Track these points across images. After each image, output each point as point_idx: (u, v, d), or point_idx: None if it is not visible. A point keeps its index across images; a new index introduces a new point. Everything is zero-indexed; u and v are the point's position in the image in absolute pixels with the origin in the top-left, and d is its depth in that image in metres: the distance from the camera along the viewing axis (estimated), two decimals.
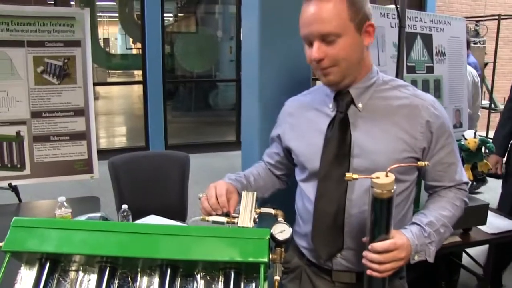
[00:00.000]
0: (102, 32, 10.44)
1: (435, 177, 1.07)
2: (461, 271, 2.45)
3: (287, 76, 1.54)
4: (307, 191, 1.11)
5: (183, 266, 0.84)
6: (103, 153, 3.13)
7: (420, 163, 0.90)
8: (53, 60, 2.32)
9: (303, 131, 1.12)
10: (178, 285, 0.84)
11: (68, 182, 2.92)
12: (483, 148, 2.01)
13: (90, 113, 2.40)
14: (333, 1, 0.95)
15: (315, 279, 1.15)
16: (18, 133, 2.28)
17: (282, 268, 0.89)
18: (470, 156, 1.96)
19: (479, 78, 3.60)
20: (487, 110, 5.19)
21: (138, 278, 0.85)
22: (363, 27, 0.99)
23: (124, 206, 1.77)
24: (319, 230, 1.08)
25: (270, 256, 0.83)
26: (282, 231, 0.93)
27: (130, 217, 1.77)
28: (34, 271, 0.83)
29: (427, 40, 2.12)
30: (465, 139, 1.95)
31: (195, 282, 0.85)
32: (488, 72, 5.55)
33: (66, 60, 2.33)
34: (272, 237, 0.91)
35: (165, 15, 5.39)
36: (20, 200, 2.34)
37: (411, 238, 0.96)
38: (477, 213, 1.83)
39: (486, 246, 2.06)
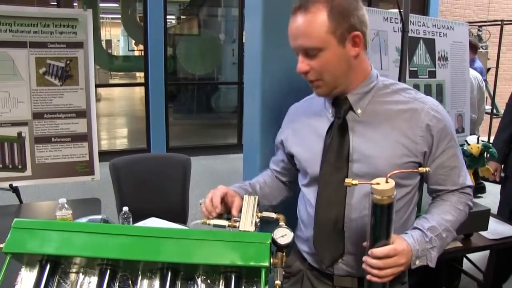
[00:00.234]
0: (105, 34, 10.48)
1: (438, 180, 1.06)
2: (461, 276, 2.44)
3: (289, 79, 1.54)
4: (308, 196, 1.11)
5: (184, 269, 0.84)
6: (105, 155, 3.14)
7: (421, 169, 0.89)
8: (55, 61, 2.32)
9: (304, 136, 1.12)
10: None
11: (69, 183, 2.92)
12: (485, 154, 2.00)
13: (91, 115, 2.40)
14: (314, 14, 0.95)
15: (316, 284, 1.15)
16: (19, 134, 2.29)
17: (283, 272, 0.89)
18: (472, 162, 1.96)
19: (484, 83, 3.60)
20: (489, 115, 5.18)
21: (139, 281, 0.85)
22: (347, 39, 0.97)
23: (125, 208, 1.76)
24: (320, 235, 1.07)
25: (271, 260, 0.83)
26: (283, 235, 0.93)
27: (131, 219, 1.77)
28: (34, 273, 0.83)
29: (430, 44, 2.12)
30: (468, 144, 1.94)
31: (195, 286, 0.84)
32: (490, 77, 5.55)
33: (68, 62, 2.34)
34: (274, 241, 0.91)
35: (167, 17, 5.40)
36: (21, 201, 2.34)
37: (412, 243, 0.95)
38: (478, 219, 1.82)
39: (487, 251, 2.06)
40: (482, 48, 5.47)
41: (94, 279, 0.84)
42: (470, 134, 2.75)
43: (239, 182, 1.22)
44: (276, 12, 1.52)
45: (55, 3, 5.12)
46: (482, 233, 1.90)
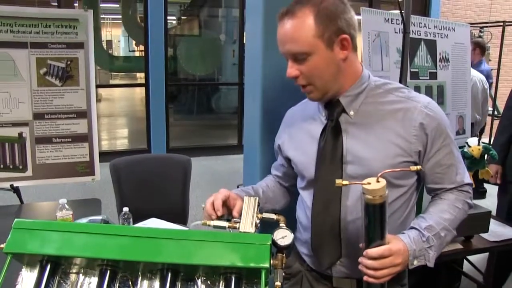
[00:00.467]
0: (105, 34, 10.48)
1: (435, 179, 1.05)
2: (462, 278, 2.44)
3: (290, 80, 1.53)
4: (306, 198, 1.12)
5: (184, 270, 0.84)
6: (105, 155, 3.14)
7: (413, 168, 0.89)
8: (56, 61, 2.32)
9: (300, 140, 1.13)
10: None
11: (69, 184, 2.92)
12: (485, 156, 1.99)
13: (92, 115, 2.40)
14: (301, 19, 0.95)
15: (315, 285, 1.15)
16: (20, 134, 2.29)
17: (283, 273, 0.89)
18: (473, 164, 1.95)
19: (488, 85, 3.59)
20: (490, 117, 5.18)
21: (139, 281, 0.85)
22: (335, 42, 0.97)
23: (125, 209, 1.76)
24: (317, 238, 1.08)
25: (272, 261, 0.83)
26: (283, 236, 0.93)
27: (131, 220, 1.77)
28: (35, 273, 0.83)
29: (431, 46, 2.12)
30: (469, 146, 1.93)
31: (195, 287, 0.84)
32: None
33: (69, 62, 2.34)
34: (274, 242, 0.91)
35: (168, 18, 5.41)
36: (21, 201, 2.34)
37: (408, 243, 0.95)
38: (479, 221, 1.81)
39: (487, 253, 2.05)
40: None
41: (94, 280, 0.84)
42: (474, 135, 2.75)
43: (240, 182, 1.22)
44: (277, 13, 1.52)
45: (56, 4, 5.13)
46: (483, 235, 1.90)
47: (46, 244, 0.82)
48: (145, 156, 2.65)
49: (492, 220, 1.90)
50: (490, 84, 4.01)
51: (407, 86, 1.39)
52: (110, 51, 9.96)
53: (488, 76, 3.80)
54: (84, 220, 1.64)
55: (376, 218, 0.86)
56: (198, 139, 6.74)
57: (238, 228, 0.97)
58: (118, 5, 7.07)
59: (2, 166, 2.25)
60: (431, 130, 1.00)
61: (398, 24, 1.96)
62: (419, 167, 0.90)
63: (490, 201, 3.76)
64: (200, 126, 7.38)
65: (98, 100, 8.25)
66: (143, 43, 5.39)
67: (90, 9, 2.38)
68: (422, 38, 2.08)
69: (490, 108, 5.26)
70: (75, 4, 5.62)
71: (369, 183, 0.83)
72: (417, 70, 2.08)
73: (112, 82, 9.48)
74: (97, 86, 5.56)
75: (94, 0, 5.83)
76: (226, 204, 1.06)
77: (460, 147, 1.88)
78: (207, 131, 7.21)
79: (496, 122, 5.22)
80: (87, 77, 2.37)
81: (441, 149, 1.02)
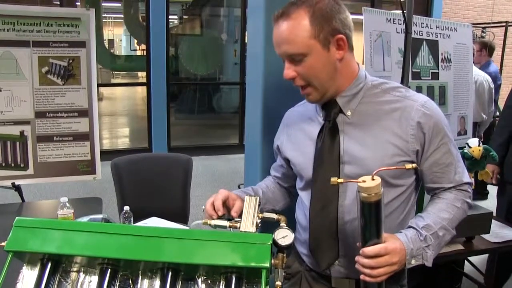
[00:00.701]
0: (107, 33, 10.48)
1: (433, 178, 1.05)
2: (463, 278, 2.43)
3: (291, 81, 1.53)
4: (304, 199, 1.12)
5: (185, 269, 0.84)
6: (106, 154, 3.14)
7: (407, 166, 0.88)
8: (57, 60, 2.32)
9: (298, 140, 1.13)
10: None
11: (70, 182, 2.92)
12: (486, 157, 1.98)
13: (93, 114, 2.40)
14: (296, 20, 0.96)
15: (314, 285, 1.15)
16: (22, 132, 2.29)
17: (283, 273, 0.88)
18: (472, 165, 1.94)
19: (493, 85, 3.57)
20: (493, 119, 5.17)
21: (139, 280, 0.85)
22: (331, 42, 0.97)
23: (126, 208, 1.77)
24: (315, 238, 1.08)
25: (272, 261, 0.83)
26: (284, 236, 0.93)
27: (132, 219, 1.77)
28: (36, 271, 0.83)
29: (433, 46, 2.12)
30: (469, 147, 1.92)
31: (196, 286, 0.84)
32: None
33: (70, 61, 2.34)
34: (274, 242, 0.91)
35: (170, 17, 5.41)
36: (23, 199, 2.35)
37: (405, 242, 0.94)
38: (480, 222, 1.81)
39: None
40: None
41: (94, 278, 0.84)
42: (478, 136, 2.74)
43: (241, 182, 1.22)
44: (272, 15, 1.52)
45: (58, 3, 5.14)
46: (484, 236, 1.89)
47: (47, 242, 0.82)
48: (146, 155, 2.65)
49: (493, 221, 1.89)
50: (499, 86, 3.91)
51: (409, 87, 1.38)
52: (111, 50, 9.96)
53: (496, 78, 3.74)
54: (85, 219, 1.64)
55: (371, 217, 0.86)
56: (199, 139, 6.74)
57: (239, 227, 0.97)
58: (120, 4, 7.08)
59: (3, 164, 2.26)
60: (429, 128, 1.00)
61: (400, 24, 1.95)
62: (414, 165, 0.90)
63: (491, 202, 3.75)
64: (201, 126, 7.38)
65: (100, 99, 8.26)
66: (145, 42, 5.39)
67: (92, 8, 2.39)
68: (424, 38, 2.08)
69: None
70: (77, 3, 5.63)
71: (364, 181, 0.83)
72: (419, 70, 2.07)
73: (113, 81, 9.49)
74: (99, 85, 5.55)
75: None
76: (225, 204, 1.06)
77: (461, 148, 1.88)
78: (208, 130, 7.22)
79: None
80: (89, 76, 2.38)
81: (438, 148, 1.01)
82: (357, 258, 0.92)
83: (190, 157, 2.40)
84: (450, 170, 1.04)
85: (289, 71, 1.00)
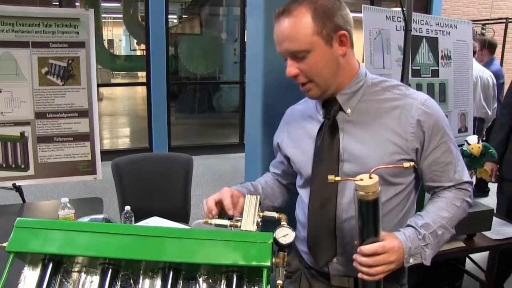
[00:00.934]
0: (107, 33, 10.48)
1: (433, 177, 1.04)
2: (464, 276, 2.43)
3: (291, 79, 1.53)
4: (303, 196, 1.12)
5: (186, 269, 0.84)
6: (107, 154, 3.14)
7: (405, 164, 0.88)
8: (57, 61, 2.32)
9: (298, 138, 1.13)
10: None
11: (71, 182, 2.92)
12: (485, 155, 1.97)
13: (93, 114, 2.40)
14: (298, 17, 0.95)
15: (313, 283, 1.15)
16: (22, 133, 2.29)
17: (285, 272, 0.88)
18: (471, 162, 1.92)
19: (495, 82, 3.55)
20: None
21: (140, 280, 0.85)
22: (334, 38, 0.97)
23: (127, 208, 1.77)
24: (313, 236, 1.08)
25: (273, 260, 0.83)
26: (285, 235, 0.93)
27: (133, 219, 1.77)
28: (37, 272, 0.83)
29: (433, 43, 2.11)
30: (469, 144, 1.90)
31: (197, 285, 0.84)
32: None
33: (70, 61, 2.34)
34: (275, 241, 0.90)
35: (169, 16, 5.40)
36: (24, 200, 2.35)
37: (403, 240, 0.94)
38: (481, 219, 1.81)
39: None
40: None
41: (96, 278, 0.84)
42: (482, 133, 2.72)
43: (241, 181, 1.22)
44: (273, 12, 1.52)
45: (57, 3, 5.13)
46: (485, 233, 1.89)
47: (48, 243, 0.82)
48: (146, 155, 2.65)
49: (494, 218, 1.89)
50: (502, 84, 3.81)
51: (409, 84, 1.38)
52: (111, 50, 9.97)
53: (498, 77, 3.70)
54: (86, 219, 1.64)
55: (369, 215, 0.86)
56: (199, 138, 6.74)
57: (240, 226, 0.97)
58: (119, 4, 7.07)
59: (4, 165, 2.26)
60: (428, 127, 0.99)
61: (400, 21, 1.95)
62: (412, 163, 0.90)
63: (492, 199, 3.75)
64: (202, 125, 7.38)
65: (100, 99, 8.27)
66: (144, 42, 5.39)
67: (91, 8, 2.38)
68: (423, 35, 2.07)
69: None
70: (76, 4, 5.63)
71: (361, 179, 0.83)
72: (418, 67, 2.07)
73: (113, 81, 9.49)
74: (99, 85, 5.56)
75: None
76: (224, 203, 1.05)
77: (461, 145, 1.87)
78: (209, 129, 7.22)
79: None
80: (89, 76, 2.38)
81: (438, 147, 1.01)
82: (355, 256, 0.92)
83: (191, 156, 2.40)
84: (450, 169, 1.04)
85: (291, 68, 0.99)
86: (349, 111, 1.04)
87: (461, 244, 1.82)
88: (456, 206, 1.04)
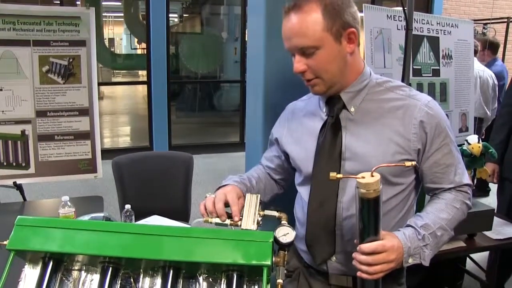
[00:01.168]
0: (107, 32, 10.47)
1: (433, 179, 1.05)
2: (464, 275, 2.43)
3: (292, 77, 1.53)
4: (303, 194, 1.12)
5: (186, 267, 0.84)
6: (107, 153, 3.15)
7: (407, 163, 0.89)
8: (58, 59, 2.32)
9: (299, 135, 1.13)
10: (181, 287, 0.83)
11: (72, 181, 2.93)
12: (485, 154, 1.96)
13: (94, 113, 2.40)
14: (308, 13, 0.95)
15: (312, 281, 1.15)
16: (23, 132, 2.29)
17: (285, 271, 0.88)
18: (471, 162, 1.91)
19: (497, 82, 3.54)
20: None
21: (141, 278, 0.85)
22: (343, 35, 0.97)
23: (127, 206, 1.77)
24: (312, 233, 1.08)
25: (273, 259, 0.83)
26: (285, 234, 0.93)
27: (133, 217, 1.78)
28: (37, 270, 0.84)
29: (434, 43, 2.11)
30: (469, 144, 1.90)
31: (197, 284, 0.84)
32: None
33: (71, 60, 2.34)
34: (276, 240, 0.90)
35: (170, 15, 5.40)
36: (24, 198, 2.35)
37: (403, 240, 0.94)
38: (482, 219, 1.81)
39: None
40: None
41: (96, 277, 0.84)
42: (480, 132, 2.71)
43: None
44: (279, 10, 1.51)
45: (58, 2, 5.13)
46: (486, 233, 1.89)
47: (49, 241, 0.82)
48: (147, 153, 2.65)
49: (495, 218, 1.89)
50: (502, 86, 3.76)
51: (410, 83, 1.38)
52: (112, 49, 9.95)
53: (498, 78, 3.68)
54: (86, 217, 1.64)
55: (370, 213, 0.86)
56: (200, 137, 6.74)
57: (240, 225, 0.97)
58: (120, 3, 7.08)
59: (5, 163, 2.26)
60: (431, 128, 1.00)
61: (401, 21, 1.95)
62: (413, 162, 0.90)
63: (493, 199, 3.75)
64: (202, 124, 7.38)
65: (100, 97, 8.27)
66: (145, 41, 5.39)
67: (92, 7, 2.38)
68: (424, 35, 2.07)
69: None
70: (77, 2, 5.63)
71: (363, 177, 0.83)
72: (419, 67, 2.07)
73: (114, 80, 9.48)
74: (99, 84, 5.58)
75: None
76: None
77: (461, 145, 1.87)
78: (209, 128, 7.21)
79: None
80: (89, 75, 2.38)
81: (440, 148, 1.02)
82: (354, 254, 0.92)
83: (191, 155, 2.40)
84: (450, 171, 1.04)
85: (299, 64, 0.98)
86: (352, 109, 1.04)
87: (461, 244, 1.82)
88: (455, 208, 1.04)
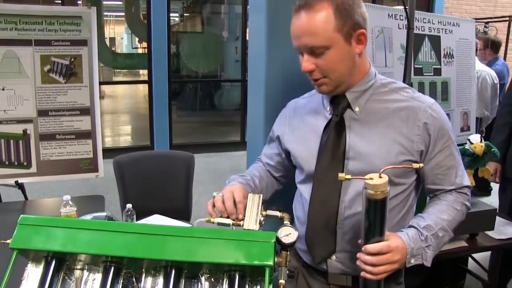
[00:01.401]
0: (108, 32, 10.48)
1: (434, 180, 1.05)
2: (466, 275, 2.43)
3: (293, 77, 1.53)
4: (304, 193, 1.12)
5: (188, 267, 0.84)
6: (108, 152, 3.15)
7: (415, 165, 0.89)
8: (59, 59, 2.33)
9: (302, 133, 1.12)
10: (183, 287, 0.83)
11: (73, 180, 2.93)
12: (487, 154, 1.96)
13: (95, 112, 2.40)
14: (320, 12, 0.94)
15: (311, 281, 1.15)
16: (24, 131, 2.30)
17: (287, 271, 0.88)
18: (473, 161, 1.91)
19: (498, 81, 3.52)
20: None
21: (143, 278, 0.85)
22: (353, 36, 0.97)
23: (129, 205, 1.77)
24: (312, 232, 1.08)
25: (276, 259, 0.83)
26: (288, 234, 0.92)
27: (134, 216, 1.78)
28: (40, 269, 0.84)
29: (435, 42, 2.11)
30: (471, 143, 1.89)
31: (199, 284, 0.84)
32: None
33: (72, 59, 2.34)
34: (278, 240, 0.90)
35: (171, 14, 5.40)
36: (26, 197, 2.36)
37: (406, 241, 0.95)
38: (484, 218, 1.80)
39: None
40: None
41: (98, 276, 0.84)
42: (480, 131, 2.70)
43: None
44: (280, 10, 1.51)
45: (60, 1, 5.14)
46: (488, 232, 1.89)
47: (51, 240, 0.82)
48: (148, 153, 2.65)
49: (497, 218, 1.88)
50: (502, 85, 3.73)
51: (411, 83, 1.38)
52: (113, 48, 9.96)
53: (499, 77, 3.66)
54: (88, 217, 1.65)
55: (376, 214, 0.86)
56: (201, 136, 6.74)
57: (242, 225, 0.97)
58: (121, 3, 7.08)
59: (7, 162, 2.27)
60: (434, 130, 1.00)
61: (402, 20, 1.94)
62: (421, 164, 0.91)
63: (495, 199, 3.74)
64: (203, 123, 7.39)
65: (102, 97, 8.28)
66: (146, 40, 5.39)
67: (93, 7, 2.39)
68: (426, 34, 2.07)
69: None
70: (79, 2, 5.63)
71: (371, 178, 0.83)
72: (421, 66, 2.07)
73: (115, 79, 9.49)
74: (101, 83, 5.57)
75: None
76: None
77: (463, 144, 1.86)
78: (210, 128, 7.22)
79: None
80: (91, 74, 2.38)
81: (442, 150, 1.02)
82: (359, 255, 0.92)
83: (192, 154, 2.40)
84: (451, 173, 1.05)
85: (308, 63, 0.98)
86: (357, 109, 1.04)
87: (463, 243, 1.81)
88: (456, 209, 1.05)
